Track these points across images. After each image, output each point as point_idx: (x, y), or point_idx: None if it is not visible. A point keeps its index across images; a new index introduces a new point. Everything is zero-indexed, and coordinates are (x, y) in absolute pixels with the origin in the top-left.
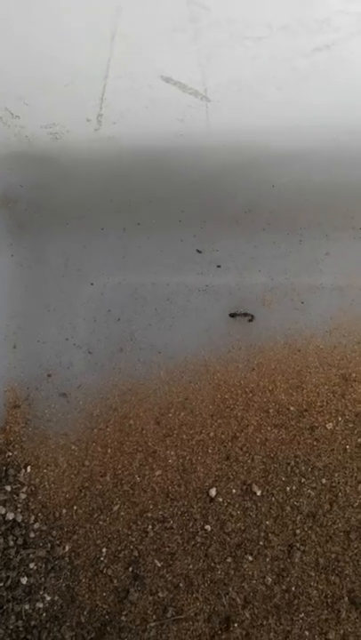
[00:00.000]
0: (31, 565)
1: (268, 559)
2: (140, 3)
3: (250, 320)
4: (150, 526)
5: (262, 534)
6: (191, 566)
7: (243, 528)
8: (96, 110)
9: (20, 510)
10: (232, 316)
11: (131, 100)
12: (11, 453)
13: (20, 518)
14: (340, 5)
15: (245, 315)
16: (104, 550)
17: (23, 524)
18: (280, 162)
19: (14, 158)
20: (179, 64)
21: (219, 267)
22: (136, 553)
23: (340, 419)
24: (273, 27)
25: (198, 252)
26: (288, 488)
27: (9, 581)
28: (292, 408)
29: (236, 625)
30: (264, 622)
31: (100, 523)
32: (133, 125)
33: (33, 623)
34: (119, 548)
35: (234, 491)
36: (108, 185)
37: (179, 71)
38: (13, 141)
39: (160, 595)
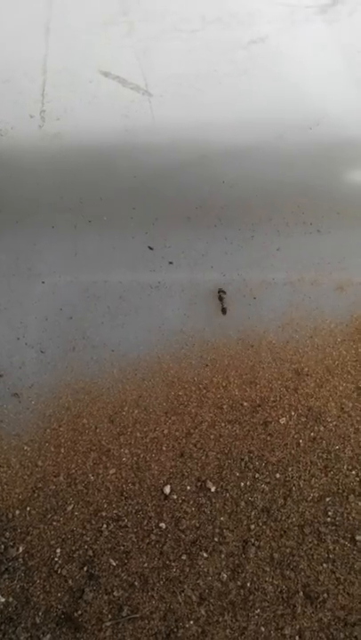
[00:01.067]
0: None
1: (223, 555)
2: None
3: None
4: (105, 525)
5: (217, 530)
6: (146, 564)
7: (197, 525)
8: (38, 106)
9: None
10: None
11: (73, 96)
12: None
13: None
14: None
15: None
16: (58, 550)
17: None
18: (228, 158)
19: None
20: (116, 58)
21: (171, 263)
22: (91, 552)
23: (293, 413)
24: (206, 19)
25: (150, 248)
26: (242, 484)
27: None
28: (245, 404)
29: (191, 622)
30: (220, 619)
31: (54, 523)
32: (78, 121)
33: None
34: (73, 548)
35: (188, 487)
36: (57, 182)
37: (117, 65)
38: None
39: (115, 594)
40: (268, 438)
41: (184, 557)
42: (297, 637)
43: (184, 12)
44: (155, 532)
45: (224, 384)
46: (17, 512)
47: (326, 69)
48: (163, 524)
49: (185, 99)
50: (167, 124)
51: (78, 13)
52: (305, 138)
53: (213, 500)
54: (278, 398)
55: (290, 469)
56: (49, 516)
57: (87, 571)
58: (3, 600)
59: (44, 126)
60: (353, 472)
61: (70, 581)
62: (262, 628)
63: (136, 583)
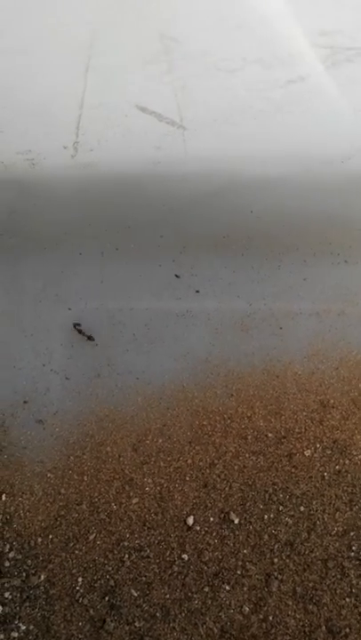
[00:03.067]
0: (6, 595)
1: (245, 588)
2: (112, 37)
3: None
4: (127, 555)
5: (240, 563)
6: (168, 596)
7: (220, 557)
8: (72, 138)
9: None
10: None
11: (107, 129)
12: None
13: None
14: (313, 39)
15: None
16: (80, 579)
17: None
18: (257, 188)
19: None
20: (154, 94)
21: (197, 292)
22: (112, 582)
23: (318, 445)
24: (247, 60)
25: (177, 277)
26: (266, 516)
27: None
28: (270, 435)
29: None
30: None
31: (76, 552)
32: (110, 153)
33: None
34: (95, 578)
35: (211, 519)
36: (85, 210)
37: (154, 101)
38: None
39: (137, 624)
40: (293, 470)
41: (206, 589)
42: None
43: (225, 52)
44: (177, 563)
45: (249, 414)
46: (39, 540)
47: None
48: (185, 556)
49: (218, 133)
50: (199, 155)
51: (119, 53)
52: (335, 170)
53: (237, 533)
54: (303, 430)
55: (314, 502)
56: (71, 544)
57: (109, 601)
58: (23, 628)
59: (76, 156)
60: None
61: (92, 611)
62: None
63: (158, 614)
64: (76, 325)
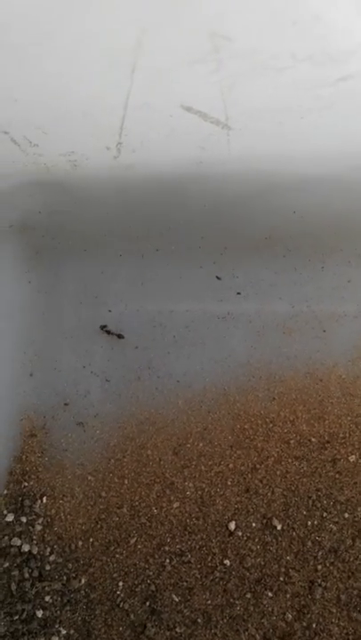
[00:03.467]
0: (47, 598)
1: (288, 595)
2: (161, 36)
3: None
4: (168, 560)
5: (283, 570)
6: (209, 601)
7: (263, 563)
8: (115, 139)
9: (35, 542)
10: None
11: (151, 129)
12: (27, 484)
13: (35, 550)
14: None
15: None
16: (120, 584)
17: (39, 556)
18: (301, 188)
19: (33, 185)
20: (200, 94)
21: (239, 294)
22: (153, 587)
23: None
24: (297, 57)
25: (218, 278)
26: (309, 522)
27: (24, 614)
28: (313, 439)
29: None
30: None
31: (117, 556)
32: (153, 153)
33: None
34: (136, 582)
35: (254, 524)
36: (126, 211)
37: (200, 101)
38: (32, 169)
39: (178, 630)
40: (337, 476)
41: (248, 596)
42: None
43: (275, 50)
44: (219, 568)
45: (291, 418)
46: (80, 543)
47: None
48: (227, 561)
49: (264, 131)
50: (242, 155)
51: (168, 52)
52: None
53: (279, 539)
54: (348, 435)
55: (359, 509)
56: (112, 548)
57: (149, 605)
58: (64, 632)
59: (118, 157)
60: None
61: (132, 616)
62: None
63: (199, 620)
64: (103, 328)
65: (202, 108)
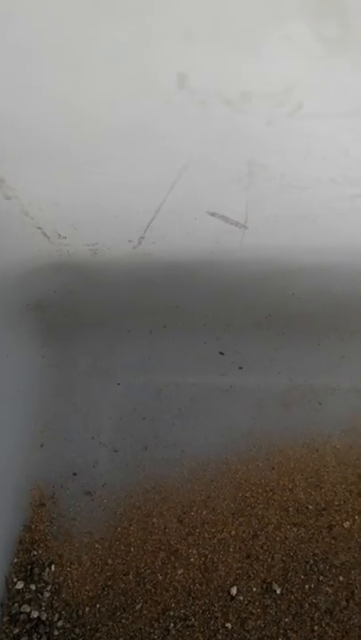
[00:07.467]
0: None
1: None
2: (206, 161)
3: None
4: (172, 624)
5: (281, 631)
6: None
7: (263, 625)
8: (139, 234)
9: (44, 608)
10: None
11: (174, 228)
12: (36, 552)
13: (44, 616)
14: None
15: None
16: None
17: (47, 622)
18: (303, 274)
19: (52, 269)
20: (227, 203)
21: (241, 368)
22: None
23: (356, 517)
24: (320, 180)
25: (221, 354)
26: (307, 586)
27: None
28: (310, 507)
29: None
30: None
31: (123, 621)
32: (171, 245)
33: None
34: None
35: (254, 589)
36: (136, 291)
37: (225, 208)
38: (54, 255)
39: None
40: (333, 542)
41: None
42: None
43: (301, 174)
44: (221, 631)
45: (290, 487)
46: (87, 609)
47: None
48: (229, 625)
49: (276, 231)
50: (252, 248)
51: (208, 174)
52: None
53: (278, 602)
54: (342, 502)
55: (353, 572)
56: (118, 613)
57: None
58: None
59: (137, 247)
60: None
61: None
62: None
63: None
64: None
65: (225, 213)
